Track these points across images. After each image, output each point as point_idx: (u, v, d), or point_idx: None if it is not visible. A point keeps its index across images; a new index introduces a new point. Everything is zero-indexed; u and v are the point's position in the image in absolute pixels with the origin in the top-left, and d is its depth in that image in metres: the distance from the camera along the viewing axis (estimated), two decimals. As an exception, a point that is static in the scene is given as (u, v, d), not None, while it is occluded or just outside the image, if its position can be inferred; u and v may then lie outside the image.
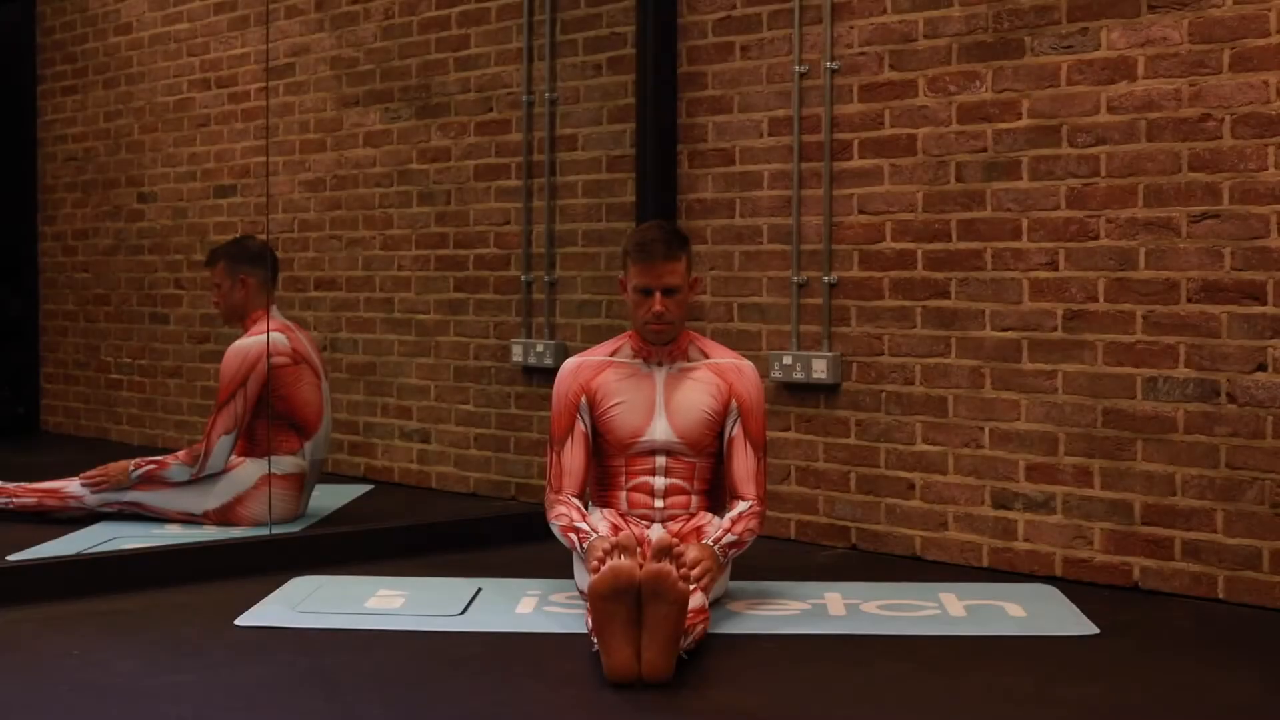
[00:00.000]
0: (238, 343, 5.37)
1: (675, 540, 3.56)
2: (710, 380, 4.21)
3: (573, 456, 4.19)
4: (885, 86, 4.94)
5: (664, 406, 4.19)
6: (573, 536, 4.02)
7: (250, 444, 5.32)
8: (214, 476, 5.26)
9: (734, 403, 4.19)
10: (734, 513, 4.11)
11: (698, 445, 4.19)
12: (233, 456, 5.28)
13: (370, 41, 6.51)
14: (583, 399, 4.21)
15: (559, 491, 4.17)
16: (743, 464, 4.17)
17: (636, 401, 4.19)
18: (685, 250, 4.21)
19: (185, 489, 5.27)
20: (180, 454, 5.31)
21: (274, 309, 5.44)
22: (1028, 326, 4.63)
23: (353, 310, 6.61)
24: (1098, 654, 3.72)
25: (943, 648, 3.75)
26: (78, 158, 7.92)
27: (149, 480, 5.29)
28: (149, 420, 7.37)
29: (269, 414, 5.29)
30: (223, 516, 5.26)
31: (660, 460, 4.19)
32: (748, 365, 4.27)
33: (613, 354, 4.29)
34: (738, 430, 4.18)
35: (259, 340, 5.32)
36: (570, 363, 4.31)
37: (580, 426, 4.21)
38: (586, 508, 4.21)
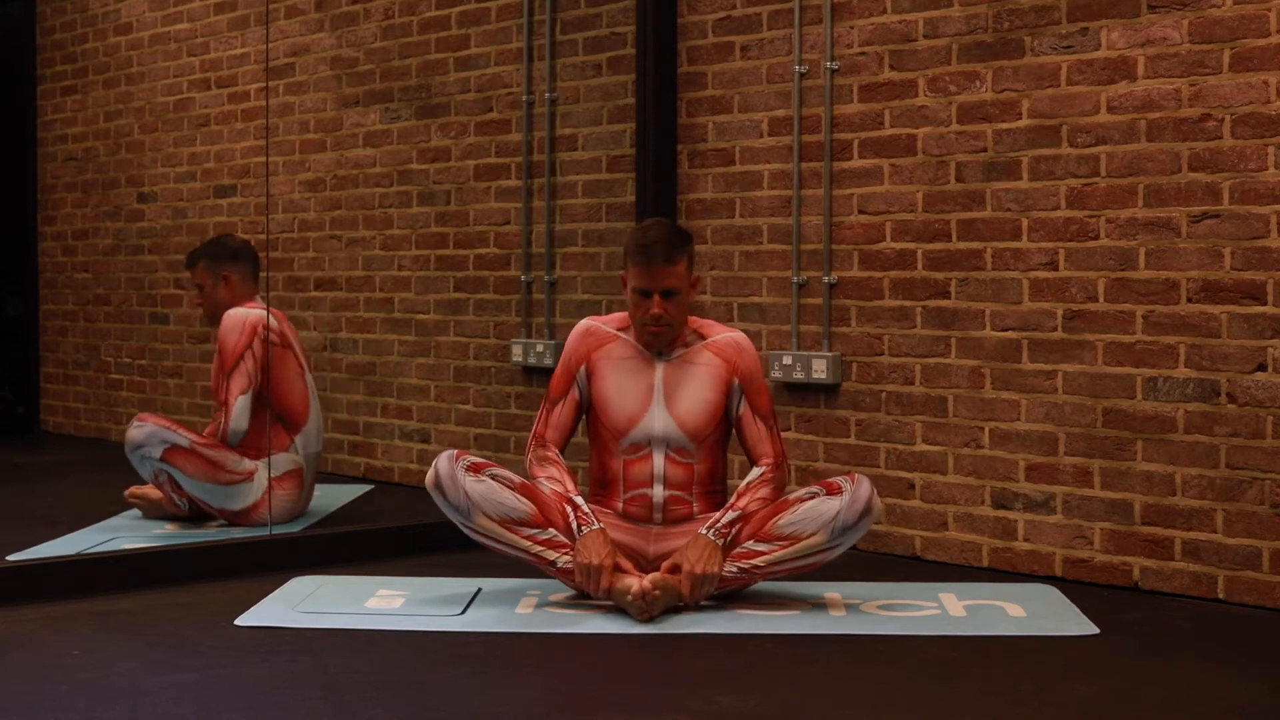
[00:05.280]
0: (233, 310, 5.31)
1: (655, 591, 3.93)
2: (711, 363, 4.24)
3: (563, 414, 4.26)
4: (885, 86, 4.94)
5: (663, 396, 4.22)
6: (568, 509, 4.08)
7: (254, 448, 5.27)
8: (234, 485, 5.21)
9: (735, 381, 4.23)
10: (744, 482, 4.17)
11: (698, 434, 4.20)
12: (245, 462, 5.23)
13: (370, 41, 6.51)
14: (582, 368, 4.27)
15: (545, 446, 4.23)
16: (753, 432, 4.23)
17: (635, 388, 4.22)
18: (686, 251, 4.22)
19: (213, 489, 5.20)
20: (205, 433, 5.22)
21: (259, 302, 5.43)
22: (1028, 326, 4.63)
23: (353, 310, 6.61)
24: (1098, 654, 3.72)
25: (943, 648, 3.75)
26: (78, 158, 7.92)
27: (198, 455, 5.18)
28: (149, 420, 7.35)
29: (268, 410, 5.26)
30: (235, 519, 5.24)
31: (659, 464, 4.19)
32: (743, 339, 4.30)
33: (623, 329, 4.31)
34: (744, 407, 4.23)
35: (257, 311, 5.30)
36: (584, 323, 4.34)
37: (574, 394, 4.27)
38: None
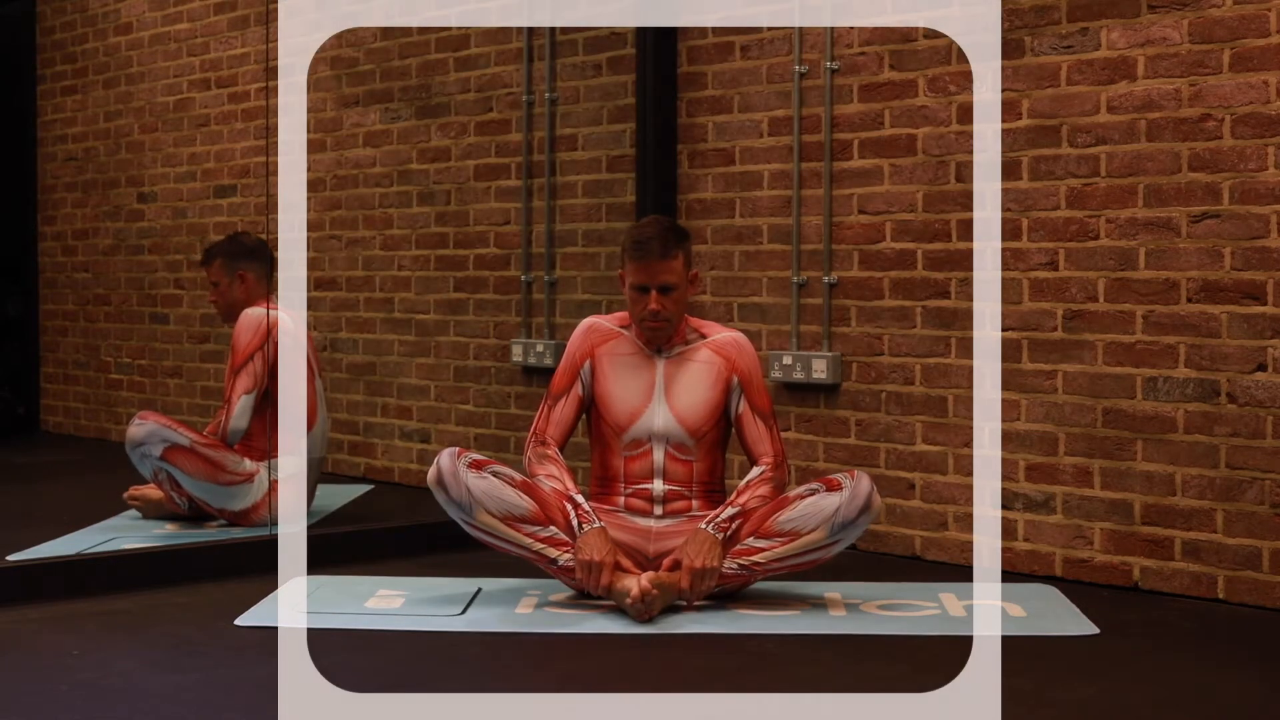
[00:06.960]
0: (251, 309, 5.31)
1: (653, 591, 3.94)
2: (711, 361, 4.26)
3: (565, 410, 4.27)
4: (885, 86, 4.94)
5: (664, 392, 4.23)
6: (568, 507, 4.08)
7: (258, 449, 5.26)
8: (233, 486, 5.19)
9: (735, 378, 4.25)
10: (744, 481, 4.18)
11: (698, 431, 4.22)
12: (245, 463, 5.23)
13: (370, 41, 6.51)
14: (586, 363, 4.28)
15: (545, 444, 4.24)
16: (752, 432, 4.24)
17: (636, 384, 4.24)
18: (683, 246, 4.24)
19: (213, 488, 5.19)
20: (206, 431, 5.22)
21: (274, 301, 5.43)
22: (1028, 326, 4.63)
23: (353, 310, 6.61)
24: (1098, 654, 3.72)
25: (943, 648, 3.75)
26: (78, 158, 7.92)
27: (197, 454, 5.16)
28: (149, 420, 7.35)
29: (273, 412, 5.26)
30: (235, 519, 5.24)
31: (659, 458, 4.21)
32: (742, 338, 4.33)
33: (624, 326, 4.33)
34: (744, 406, 4.24)
35: (274, 312, 5.30)
36: (588, 321, 4.37)
37: (577, 389, 4.28)
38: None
